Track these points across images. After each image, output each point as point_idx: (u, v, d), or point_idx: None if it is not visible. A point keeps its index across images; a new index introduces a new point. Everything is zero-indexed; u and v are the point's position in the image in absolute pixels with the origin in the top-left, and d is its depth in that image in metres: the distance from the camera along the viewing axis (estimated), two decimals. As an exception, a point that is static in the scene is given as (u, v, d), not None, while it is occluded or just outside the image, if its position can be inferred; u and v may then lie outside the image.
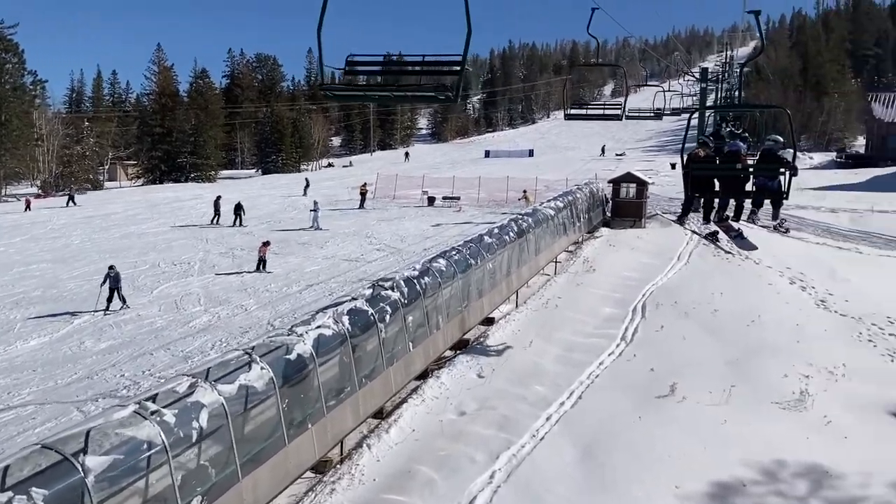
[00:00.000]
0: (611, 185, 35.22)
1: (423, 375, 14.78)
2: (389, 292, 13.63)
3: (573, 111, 18.56)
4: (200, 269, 26.21)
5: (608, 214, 34.48)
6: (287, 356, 10.48)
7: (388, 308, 13.20)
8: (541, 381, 14.62)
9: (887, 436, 12.22)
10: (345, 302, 12.43)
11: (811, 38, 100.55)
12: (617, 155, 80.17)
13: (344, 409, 11.49)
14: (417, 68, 8.39)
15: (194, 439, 8.58)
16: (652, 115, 22.52)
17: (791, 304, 20.06)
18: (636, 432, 12.20)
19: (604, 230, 32.27)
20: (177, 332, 18.57)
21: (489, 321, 18.84)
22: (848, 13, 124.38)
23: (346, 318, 11.82)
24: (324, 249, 29.30)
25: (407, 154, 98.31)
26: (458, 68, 8.00)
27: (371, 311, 12.69)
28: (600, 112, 18.32)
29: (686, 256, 26.09)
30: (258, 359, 9.82)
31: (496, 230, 20.83)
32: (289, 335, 10.88)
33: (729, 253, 23.88)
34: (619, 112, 14.96)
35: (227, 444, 9.00)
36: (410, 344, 13.94)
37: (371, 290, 13.51)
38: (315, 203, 36.15)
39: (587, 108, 18.23)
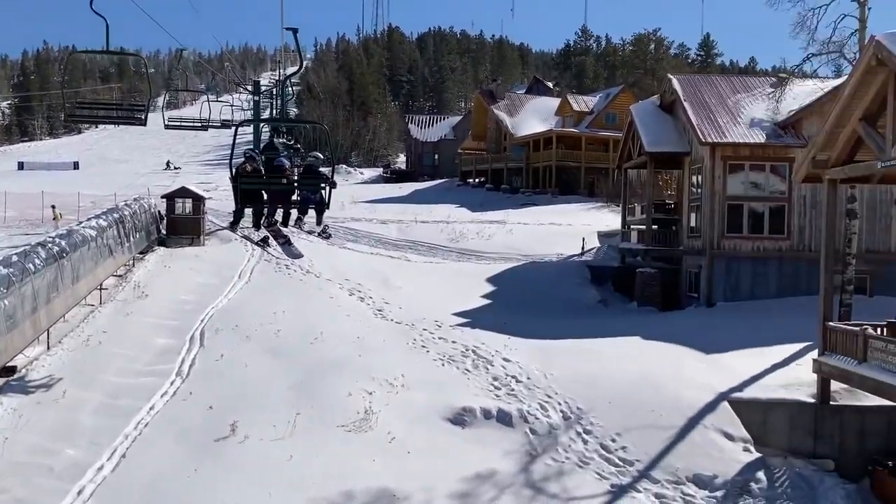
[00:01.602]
0: (164, 200, 32.61)
1: None
2: None
3: (78, 113, 15.98)
4: None
5: (163, 232, 31.82)
6: None
7: None
8: (74, 443, 11.95)
9: (443, 443, 12.55)
10: None
11: (355, 62, 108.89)
12: (174, 168, 76.94)
13: None
14: None
15: None
16: (199, 125, 20.88)
17: (352, 316, 20.23)
18: (192, 488, 10.52)
19: (159, 249, 29.53)
20: None
21: (8, 371, 15.18)
22: (384, 42, 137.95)
23: None
24: None
25: None
26: None
27: None
28: (114, 114, 15.93)
29: (248, 274, 24.97)
30: None
31: (15, 257, 17.05)
32: None
33: (287, 267, 23.48)
34: (141, 116, 13.00)
35: None
36: None
37: None
38: None
39: (98, 111, 15.68)
